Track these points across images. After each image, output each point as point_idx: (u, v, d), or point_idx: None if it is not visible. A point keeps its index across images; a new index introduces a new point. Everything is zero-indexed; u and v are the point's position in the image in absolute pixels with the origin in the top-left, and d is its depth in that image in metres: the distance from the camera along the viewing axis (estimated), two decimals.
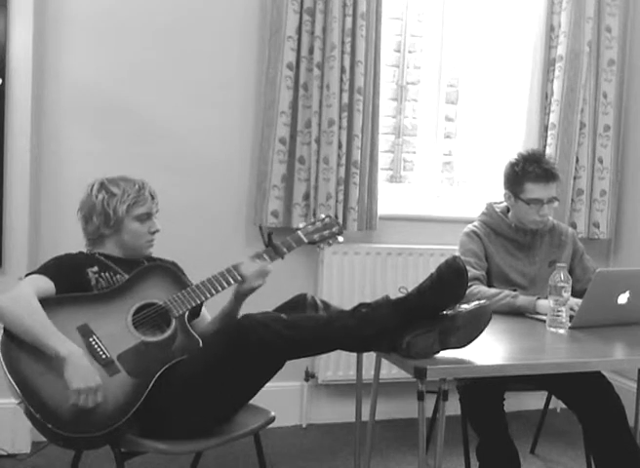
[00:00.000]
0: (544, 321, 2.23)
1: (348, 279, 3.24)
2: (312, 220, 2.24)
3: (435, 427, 2.09)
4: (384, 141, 3.54)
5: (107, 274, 2.04)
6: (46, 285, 1.92)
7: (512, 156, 2.66)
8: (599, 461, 2.32)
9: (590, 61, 3.49)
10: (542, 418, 3.04)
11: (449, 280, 1.78)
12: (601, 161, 3.57)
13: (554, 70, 3.49)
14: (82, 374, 1.75)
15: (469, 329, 1.78)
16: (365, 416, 2.24)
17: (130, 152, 2.98)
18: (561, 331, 2.16)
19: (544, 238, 2.69)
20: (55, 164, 2.92)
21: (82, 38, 2.92)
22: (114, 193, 2.07)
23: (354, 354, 2.22)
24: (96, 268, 2.03)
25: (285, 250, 2.13)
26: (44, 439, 1.81)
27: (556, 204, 2.63)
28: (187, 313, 2.00)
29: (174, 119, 3.06)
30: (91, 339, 1.86)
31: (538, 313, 2.39)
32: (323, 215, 2.26)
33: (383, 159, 3.52)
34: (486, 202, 2.77)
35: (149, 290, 2.00)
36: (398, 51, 3.59)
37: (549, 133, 3.49)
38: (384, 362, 2.07)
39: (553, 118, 3.47)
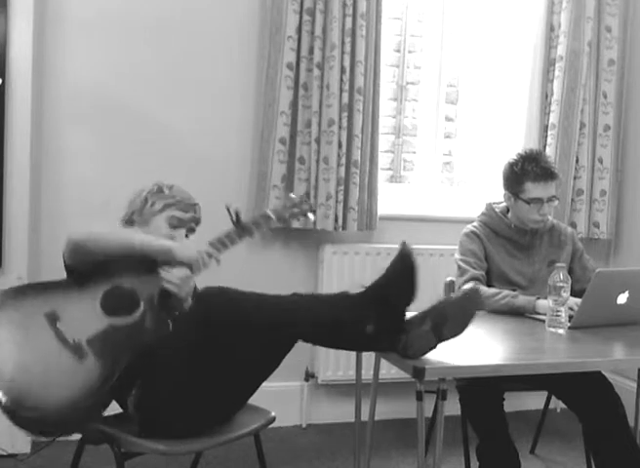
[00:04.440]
0: (544, 321, 2.23)
1: (348, 279, 3.24)
2: (282, 201, 2.27)
3: (435, 427, 2.08)
4: (384, 141, 3.54)
5: None
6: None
7: (511, 156, 2.66)
8: (599, 461, 2.32)
9: (590, 61, 3.49)
10: (542, 418, 3.04)
11: (398, 265, 1.78)
12: (601, 161, 3.57)
13: (554, 70, 3.49)
14: (191, 246, 2.01)
15: (459, 317, 1.76)
16: (365, 416, 2.24)
17: (130, 152, 2.98)
18: (560, 330, 2.16)
19: (544, 238, 2.69)
20: (55, 164, 2.92)
21: (82, 38, 2.92)
22: (162, 192, 2.16)
23: (354, 354, 2.22)
24: None
25: (253, 227, 2.13)
26: (44, 439, 1.80)
27: (556, 203, 2.63)
28: (158, 295, 1.99)
29: (173, 119, 3.06)
30: (58, 325, 1.88)
31: (537, 313, 2.38)
32: (293, 195, 2.28)
33: (383, 159, 3.52)
34: (485, 202, 2.77)
35: (122, 274, 2.01)
36: (398, 51, 3.59)
37: (549, 133, 3.49)
38: (384, 362, 2.07)
39: (553, 118, 3.47)
